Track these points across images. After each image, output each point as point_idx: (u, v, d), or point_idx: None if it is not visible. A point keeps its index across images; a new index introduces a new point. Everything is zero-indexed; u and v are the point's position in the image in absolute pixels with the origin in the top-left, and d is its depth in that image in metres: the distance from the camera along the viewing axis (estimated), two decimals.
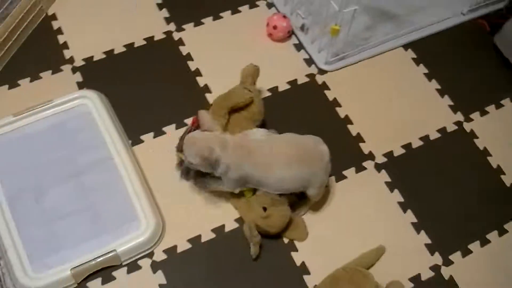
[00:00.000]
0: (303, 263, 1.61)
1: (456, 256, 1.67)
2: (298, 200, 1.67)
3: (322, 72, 1.98)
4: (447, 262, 1.66)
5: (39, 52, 1.95)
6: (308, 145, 1.58)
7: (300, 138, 1.60)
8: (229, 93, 1.72)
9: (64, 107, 1.80)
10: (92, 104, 1.79)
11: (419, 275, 1.63)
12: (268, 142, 1.59)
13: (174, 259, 1.60)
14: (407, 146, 1.85)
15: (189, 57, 1.97)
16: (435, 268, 1.64)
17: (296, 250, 1.63)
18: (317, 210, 1.70)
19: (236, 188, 1.59)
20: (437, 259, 1.66)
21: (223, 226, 1.65)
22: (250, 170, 1.53)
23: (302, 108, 1.90)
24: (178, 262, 1.59)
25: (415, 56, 2.06)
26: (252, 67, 1.76)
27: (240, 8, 2.12)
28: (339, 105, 1.91)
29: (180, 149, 1.64)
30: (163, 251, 1.61)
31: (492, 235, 1.72)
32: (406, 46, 2.08)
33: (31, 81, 1.89)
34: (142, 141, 1.79)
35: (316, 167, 1.56)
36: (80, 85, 1.88)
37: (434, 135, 1.89)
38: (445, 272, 1.64)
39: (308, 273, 1.60)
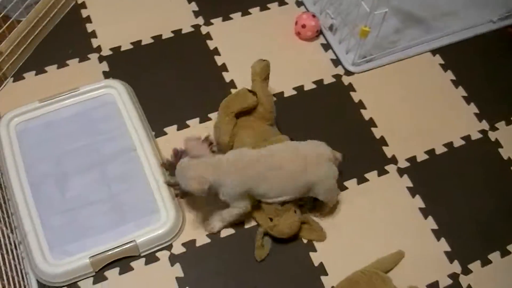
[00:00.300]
0: (321, 264, 1.60)
1: (475, 265, 1.65)
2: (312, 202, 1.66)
3: (348, 73, 1.97)
4: (466, 271, 1.64)
5: (67, 39, 1.97)
6: (306, 153, 1.52)
7: (298, 147, 1.55)
8: (234, 96, 1.69)
9: (90, 95, 1.81)
10: (118, 94, 1.80)
11: (437, 282, 1.61)
12: (265, 155, 1.51)
13: (193, 253, 1.60)
14: (431, 152, 1.83)
15: (216, 51, 1.97)
16: (454, 276, 1.63)
17: (315, 251, 1.62)
18: (338, 211, 1.69)
19: (241, 203, 1.54)
20: (456, 267, 1.64)
21: (242, 222, 1.65)
22: (250, 185, 1.49)
23: (327, 108, 1.89)
24: (196, 256, 1.60)
25: (442, 62, 2.04)
26: (259, 63, 1.73)
27: (269, 5, 2.11)
28: (364, 107, 1.90)
29: (165, 167, 1.65)
30: (182, 244, 1.61)
31: None
32: (434, 52, 2.07)
33: (58, 68, 1.90)
34: (165, 133, 1.79)
35: (316, 175, 1.51)
36: (106, 75, 1.89)
37: (458, 143, 1.87)
38: (464, 280, 1.62)
39: (326, 274, 1.59)
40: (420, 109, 1.92)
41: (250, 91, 1.68)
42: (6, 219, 1.57)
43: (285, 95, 1.90)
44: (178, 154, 1.57)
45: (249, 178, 1.49)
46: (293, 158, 1.51)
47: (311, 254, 1.62)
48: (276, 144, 1.58)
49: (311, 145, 1.56)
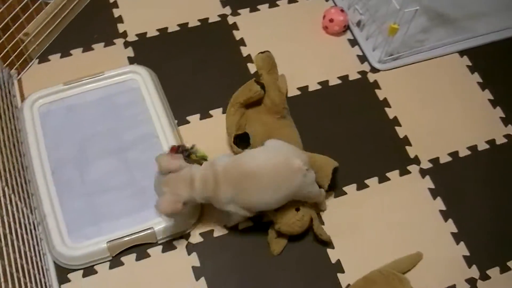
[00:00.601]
0: (338, 261, 1.59)
1: (494, 272, 1.63)
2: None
3: (374, 70, 1.95)
4: (484, 277, 1.62)
5: (93, 23, 1.97)
6: (279, 166, 1.41)
7: (271, 159, 1.42)
8: (241, 87, 1.68)
9: (114, 80, 1.81)
10: (142, 80, 1.80)
11: (454, 286, 1.59)
12: (237, 168, 1.42)
13: (210, 243, 1.59)
14: (454, 154, 1.81)
15: (242, 42, 1.96)
16: (471, 281, 1.60)
17: (333, 248, 1.61)
18: (357, 209, 1.68)
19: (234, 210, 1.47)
20: (474, 272, 1.62)
21: (260, 215, 1.63)
22: (227, 198, 1.43)
23: (351, 104, 1.87)
24: (214, 246, 1.59)
25: (470, 64, 2.01)
26: (260, 55, 1.71)
27: None
28: (389, 106, 1.88)
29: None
30: (200, 234, 1.61)
31: None
32: (462, 53, 2.04)
33: (83, 51, 1.90)
34: (188, 122, 1.79)
35: (291, 187, 1.43)
36: (131, 60, 1.89)
37: (482, 146, 1.84)
38: (481, 286, 1.60)
39: (342, 271, 1.58)
40: (445, 110, 1.90)
41: (257, 82, 1.66)
42: (27, 199, 1.57)
43: (310, 89, 1.88)
44: (179, 150, 1.55)
45: (223, 193, 1.42)
46: (265, 173, 1.41)
47: (329, 250, 1.61)
48: (254, 150, 1.53)
49: (284, 155, 1.43)
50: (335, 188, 1.70)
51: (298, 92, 1.87)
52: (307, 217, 1.56)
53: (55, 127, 1.72)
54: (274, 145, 1.49)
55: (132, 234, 1.55)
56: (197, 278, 1.54)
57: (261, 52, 1.74)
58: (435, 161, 1.79)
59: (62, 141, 1.69)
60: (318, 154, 1.62)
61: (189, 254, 1.58)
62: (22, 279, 1.31)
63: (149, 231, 1.56)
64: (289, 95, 1.86)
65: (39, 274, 1.45)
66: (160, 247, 1.58)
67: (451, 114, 1.90)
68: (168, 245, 1.59)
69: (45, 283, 1.48)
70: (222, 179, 1.41)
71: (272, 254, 1.58)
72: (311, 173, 1.47)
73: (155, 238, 1.57)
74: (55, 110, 1.75)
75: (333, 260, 1.60)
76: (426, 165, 1.78)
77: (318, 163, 1.58)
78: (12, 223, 1.38)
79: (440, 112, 1.89)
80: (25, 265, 1.37)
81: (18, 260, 1.34)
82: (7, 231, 1.33)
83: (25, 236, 1.45)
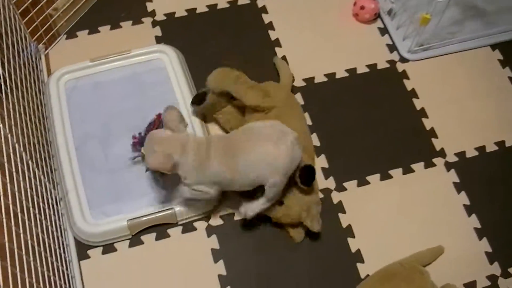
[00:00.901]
0: (358, 251, 1.58)
1: None
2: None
3: (403, 60, 1.92)
4: (506, 274, 1.59)
5: (122, 1, 1.96)
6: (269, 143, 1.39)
7: (261, 135, 1.42)
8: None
9: (141, 59, 1.80)
10: (169, 60, 1.79)
11: (474, 282, 1.57)
12: (232, 141, 1.43)
13: (230, 226, 1.59)
14: (481, 149, 1.78)
15: (270, 26, 1.94)
16: (492, 278, 1.58)
17: (353, 237, 1.60)
18: (380, 199, 1.66)
19: (203, 187, 1.45)
20: (496, 269, 1.60)
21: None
22: (216, 168, 1.41)
23: (378, 93, 1.85)
24: (234, 229, 1.59)
25: (501, 58, 1.97)
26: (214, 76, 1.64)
27: None
28: (417, 97, 1.85)
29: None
30: (220, 216, 1.61)
31: None
32: (494, 46, 1.99)
33: (111, 29, 1.90)
34: None
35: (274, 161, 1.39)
36: (158, 40, 1.88)
37: (510, 142, 1.80)
38: (502, 283, 1.58)
39: (362, 261, 1.57)
40: (474, 104, 1.86)
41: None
42: (50, 174, 1.58)
43: (337, 76, 1.86)
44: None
45: (215, 162, 1.40)
46: (253, 139, 1.41)
47: (349, 239, 1.60)
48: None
49: (273, 140, 1.39)
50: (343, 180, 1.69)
51: (325, 79, 1.85)
52: (296, 209, 1.51)
53: (80, 103, 1.72)
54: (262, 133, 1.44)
55: (152, 213, 1.55)
56: (215, 261, 1.54)
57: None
58: (461, 155, 1.76)
59: (87, 117, 1.69)
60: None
61: (208, 236, 1.57)
62: (43, 253, 1.32)
63: (169, 211, 1.56)
64: (316, 81, 1.85)
65: (59, 249, 1.46)
66: (180, 227, 1.58)
67: (480, 108, 1.86)
68: (188, 226, 1.59)
69: (65, 258, 1.49)
70: (214, 151, 1.40)
71: (295, 241, 1.58)
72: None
73: (176, 218, 1.57)
74: (81, 86, 1.74)
75: (353, 250, 1.58)
76: (452, 158, 1.75)
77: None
78: (35, 197, 1.39)
79: (469, 106, 1.86)
80: (46, 239, 1.38)
81: (40, 234, 1.35)
82: (30, 204, 1.34)
83: (47, 210, 1.46)
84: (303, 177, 1.45)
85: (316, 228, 1.52)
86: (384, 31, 1.98)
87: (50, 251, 1.38)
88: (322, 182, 1.67)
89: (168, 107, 1.45)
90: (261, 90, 1.59)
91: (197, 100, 1.66)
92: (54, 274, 1.35)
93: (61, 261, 1.44)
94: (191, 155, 1.39)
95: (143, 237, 1.56)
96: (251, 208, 1.48)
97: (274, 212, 1.52)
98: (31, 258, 1.23)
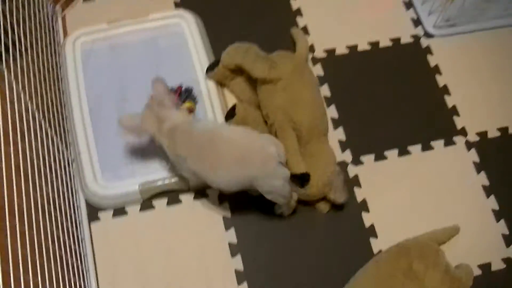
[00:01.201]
0: (372, 226, 1.55)
1: None
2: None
3: (428, 35, 1.87)
4: None
5: None
6: (253, 147, 1.34)
7: (248, 137, 1.36)
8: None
9: (159, 24, 1.77)
10: (187, 26, 1.76)
11: (489, 264, 1.54)
12: (211, 136, 1.35)
13: (242, 194, 1.52)
14: (504, 130, 1.73)
15: None
16: (508, 261, 1.55)
17: (368, 211, 1.57)
18: (397, 175, 1.63)
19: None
20: None
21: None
22: (189, 161, 1.36)
23: (400, 68, 1.81)
24: (246, 198, 1.54)
25: None
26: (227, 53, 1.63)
27: None
28: (440, 73, 1.80)
29: None
30: None
31: None
32: None
33: None
34: None
35: (257, 172, 1.33)
36: (177, 5, 1.85)
37: None
38: None
39: (375, 236, 1.54)
40: (498, 84, 1.81)
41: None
42: (62, 135, 1.57)
43: (359, 48, 1.82)
44: (182, 91, 1.58)
45: (188, 155, 1.36)
46: (235, 148, 1.34)
47: (364, 214, 1.57)
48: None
49: (262, 141, 1.35)
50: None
51: (347, 51, 1.81)
52: (317, 187, 1.48)
53: (96, 65, 1.70)
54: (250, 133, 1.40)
55: (165, 179, 1.53)
56: (226, 229, 1.53)
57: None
58: (482, 134, 1.72)
59: (102, 79, 1.67)
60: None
61: (220, 203, 1.56)
62: (53, 212, 1.31)
63: (182, 178, 1.53)
64: (337, 52, 1.81)
65: (70, 209, 1.45)
66: (192, 194, 1.56)
67: (505, 88, 1.81)
68: (201, 193, 1.57)
69: (76, 219, 1.48)
70: (188, 137, 1.36)
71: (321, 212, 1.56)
72: (283, 169, 1.36)
73: (188, 185, 1.55)
74: (97, 48, 1.72)
75: (367, 224, 1.56)
76: (473, 137, 1.71)
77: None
78: (46, 157, 1.37)
79: (493, 85, 1.81)
80: (56, 199, 1.36)
81: (50, 193, 1.33)
82: (41, 163, 1.32)
83: (58, 171, 1.44)
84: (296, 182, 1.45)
85: (341, 199, 1.51)
86: (409, 5, 1.92)
87: (60, 211, 1.37)
88: (338, 155, 1.64)
89: (155, 79, 1.43)
90: (267, 62, 1.56)
91: (211, 68, 1.64)
92: (63, 234, 1.34)
93: (71, 222, 1.43)
94: (165, 141, 1.39)
95: (154, 202, 1.55)
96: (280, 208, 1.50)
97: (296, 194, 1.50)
98: (41, 217, 1.22)
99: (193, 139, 1.36)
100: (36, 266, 1.11)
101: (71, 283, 1.29)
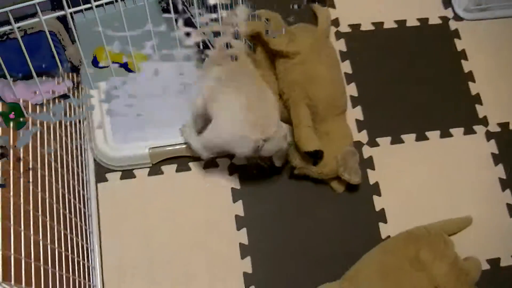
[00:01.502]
0: (382, 210, 1.53)
1: None
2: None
3: (457, 18, 1.82)
4: None
5: None
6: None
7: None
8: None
9: None
10: None
11: (498, 259, 1.52)
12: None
13: (253, 167, 1.55)
14: None
15: None
16: None
17: (379, 195, 1.55)
18: (412, 160, 1.60)
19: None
20: None
21: None
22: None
23: (425, 49, 1.77)
24: (256, 171, 1.54)
25: None
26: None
27: None
28: (466, 58, 1.76)
29: None
30: None
31: None
32: None
33: None
34: None
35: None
36: None
37: None
38: None
39: (385, 221, 1.52)
40: None
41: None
42: (75, 90, 1.53)
43: (384, 26, 1.78)
44: None
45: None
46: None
47: (375, 197, 1.54)
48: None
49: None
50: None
51: (372, 27, 1.77)
52: (331, 166, 1.47)
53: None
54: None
55: (175, 144, 1.51)
56: (234, 200, 1.51)
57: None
58: (504, 126, 1.68)
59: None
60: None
61: (230, 174, 1.54)
62: (59, 169, 1.28)
63: None
64: (362, 28, 1.77)
65: (77, 167, 1.43)
66: (202, 162, 1.54)
67: None
68: (211, 162, 1.55)
69: (83, 178, 1.46)
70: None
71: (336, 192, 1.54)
72: (269, 143, 1.34)
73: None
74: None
75: (377, 208, 1.53)
76: (494, 128, 1.67)
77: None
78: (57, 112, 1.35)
79: None
80: (64, 157, 1.34)
81: (58, 150, 1.31)
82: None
83: (68, 127, 1.42)
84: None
85: (355, 180, 1.47)
86: None
87: (67, 168, 1.35)
88: (355, 134, 1.61)
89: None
90: (286, 35, 1.51)
91: None
92: (69, 192, 1.32)
93: (78, 180, 1.41)
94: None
95: (163, 167, 1.53)
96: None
97: (310, 172, 1.48)
98: (46, 172, 1.19)
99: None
100: (38, 222, 1.09)
101: (73, 242, 1.27)
